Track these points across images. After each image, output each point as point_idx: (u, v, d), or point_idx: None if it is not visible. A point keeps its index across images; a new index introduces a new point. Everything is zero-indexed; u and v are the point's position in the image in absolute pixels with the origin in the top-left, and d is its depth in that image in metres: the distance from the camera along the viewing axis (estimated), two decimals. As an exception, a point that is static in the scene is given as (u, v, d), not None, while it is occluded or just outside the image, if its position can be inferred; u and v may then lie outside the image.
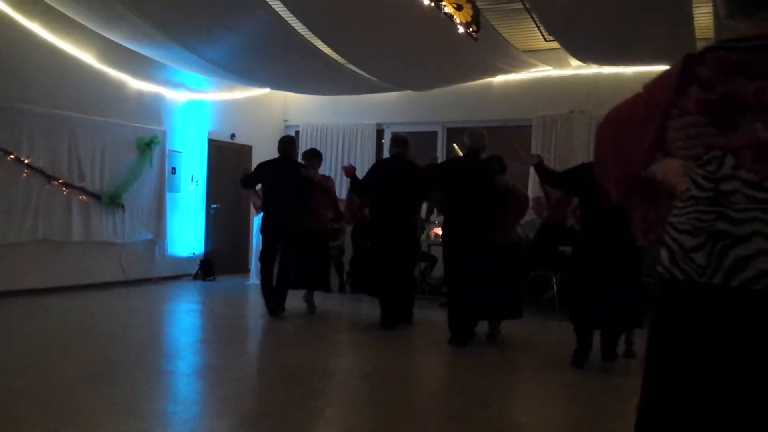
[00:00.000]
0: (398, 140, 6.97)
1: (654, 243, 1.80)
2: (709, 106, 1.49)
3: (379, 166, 7.30)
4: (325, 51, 8.38)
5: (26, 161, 7.65)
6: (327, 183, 7.45)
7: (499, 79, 10.30)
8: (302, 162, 7.54)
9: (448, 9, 6.53)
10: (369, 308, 7.32)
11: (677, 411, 1.53)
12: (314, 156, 7.57)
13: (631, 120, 1.71)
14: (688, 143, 1.51)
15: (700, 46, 6.69)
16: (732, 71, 1.48)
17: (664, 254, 1.61)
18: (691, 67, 1.55)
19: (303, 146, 11.56)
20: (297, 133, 11.83)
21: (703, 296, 1.51)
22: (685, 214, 1.59)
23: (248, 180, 7.50)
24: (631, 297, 5.19)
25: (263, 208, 7.41)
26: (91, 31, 8.02)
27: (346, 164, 7.69)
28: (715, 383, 1.46)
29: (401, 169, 6.74)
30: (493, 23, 7.96)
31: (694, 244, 1.54)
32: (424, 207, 7.37)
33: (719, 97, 1.47)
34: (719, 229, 1.50)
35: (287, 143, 7.43)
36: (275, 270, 7.20)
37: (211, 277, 9.92)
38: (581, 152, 9.77)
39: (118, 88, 8.88)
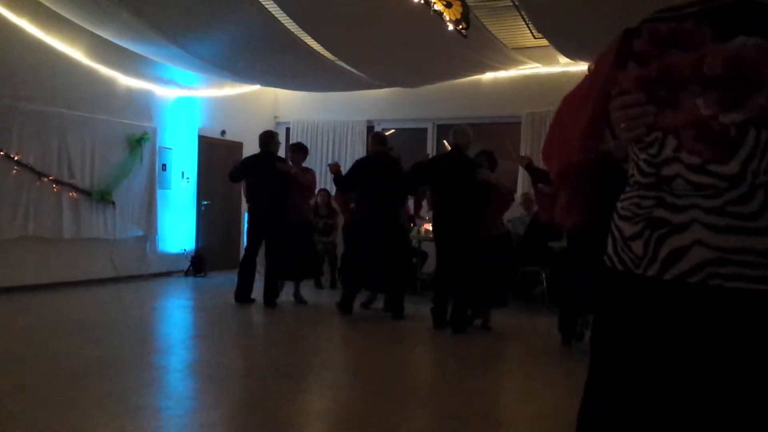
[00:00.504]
0: (379, 138, 7.20)
1: (572, 230, 1.76)
2: (646, 82, 1.37)
3: (361, 163, 7.40)
4: (315, 48, 8.40)
5: (16, 158, 7.63)
6: (305, 176, 7.53)
7: (489, 76, 10.34)
8: (287, 155, 7.69)
9: (438, 6, 6.57)
10: (360, 304, 7.36)
11: (610, 402, 1.45)
12: (298, 149, 7.74)
13: (576, 100, 1.63)
14: (629, 124, 1.39)
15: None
16: (666, 43, 1.37)
17: (609, 241, 1.54)
18: (629, 42, 1.43)
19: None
20: (288, 129, 11.85)
21: (639, 289, 1.42)
22: (627, 199, 1.49)
23: (235, 174, 7.65)
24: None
25: (247, 201, 7.61)
26: (81, 27, 8.00)
27: (331, 161, 7.83)
28: (652, 378, 1.38)
29: (384, 166, 6.91)
30: (482, 20, 8.00)
31: (633, 232, 1.44)
32: (412, 202, 7.51)
33: (655, 73, 1.36)
34: (658, 216, 1.40)
35: (266, 138, 7.59)
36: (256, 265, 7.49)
37: (203, 274, 9.93)
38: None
39: (108, 84, 8.85)
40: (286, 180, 7.34)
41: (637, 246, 1.43)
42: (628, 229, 1.46)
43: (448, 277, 6.33)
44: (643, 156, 1.46)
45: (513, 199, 6.60)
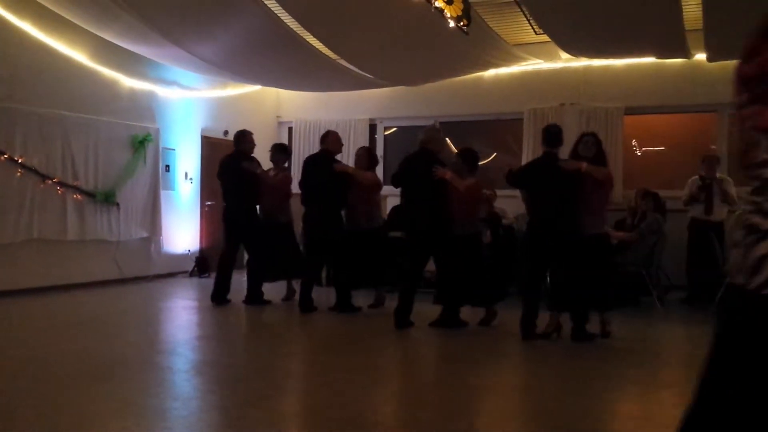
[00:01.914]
0: (321, 137, 7.38)
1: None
2: (749, 80, 1.26)
3: (305, 162, 7.48)
4: (317, 47, 8.41)
5: (20, 161, 7.65)
6: (272, 177, 7.48)
7: (491, 72, 10.34)
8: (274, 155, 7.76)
9: (439, 3, 6.56)
10: (361, 301, 7.36)
11: (710, 409, 1.35)
12: (278, 150, 7.74)
13: None
14: (744, 125, 1.30)
15: (689, 38, 6.81)
16: None
17: None
18: (751, 37, 1.30)
19: (296, 142, 11.63)
20: (290, 129, 11.87)
21: (733, 297, 1.35)
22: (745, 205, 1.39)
23: (219, 174, 7.66)
24: (587, 281, 5.59)
25: (223, 200, 7.66)
26: (84, 30, 8.02)
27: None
28: (741, 388, 1.28)
29: (324, 164, 7.06)
30: (483, 17, 7.99)
31: (737, 238, 1.36)
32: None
33: (755, 69, 1.24)
34: (753, 222, 1.30)
35: (235, 138, 7.63)
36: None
37: (207, 274, 9.93)
38: (572, 144, 9.83)
39: (111, 86, 8.88)
40: (255, 180, 7.34)
41: (737, 253, 1.35)
42: (737, 235, 1.42)
43: (418, 274, 6.48)
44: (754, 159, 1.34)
45: (480, 197, 6.56)
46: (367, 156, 7.43)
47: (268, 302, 7.52)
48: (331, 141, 7.27)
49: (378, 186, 7.45)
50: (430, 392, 4.52)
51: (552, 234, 5.65)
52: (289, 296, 7.81)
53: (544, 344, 5.74)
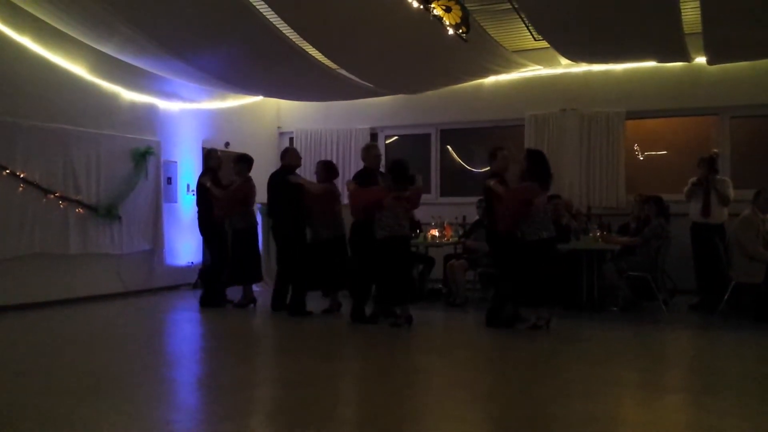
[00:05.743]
0: (281, 152, 8.11)
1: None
2: None
3: (270, 177, 7.94)
4: (316, 57, 8.42)
5: (21, 175, 7.66)
6: (223, 190, 8.09)
7: (491, 79, 10.35)
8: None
9: (437, 11, 6.56)
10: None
11: None
12: (240, 160, 8.36)
13: None
14: None
15: (689, 41, 6.82)
16: None
17: None
18: None
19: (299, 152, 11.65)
20: (291, 139, 11.89)
21: None
22: None
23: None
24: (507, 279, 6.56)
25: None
26: (83, 44, 8.05)
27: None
28: None
29: (279, 179, 7.64)
30: (482, 24, 8.01)
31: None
32: None
33: None
34: None
35: (204, 156, 8.73)
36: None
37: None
38: (573, 149, 9.84)
39: (112, 99, 8.90)
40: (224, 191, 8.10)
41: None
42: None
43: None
44: None
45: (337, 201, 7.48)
46: (323, 169, 7.84)
47: (224, 303, 8.24)
48: (290, 156, 7.88)
49: (331, 195, 7.70)
50: (437, 398, 4.50)
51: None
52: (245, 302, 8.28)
53: (546, 346, 5.70)
